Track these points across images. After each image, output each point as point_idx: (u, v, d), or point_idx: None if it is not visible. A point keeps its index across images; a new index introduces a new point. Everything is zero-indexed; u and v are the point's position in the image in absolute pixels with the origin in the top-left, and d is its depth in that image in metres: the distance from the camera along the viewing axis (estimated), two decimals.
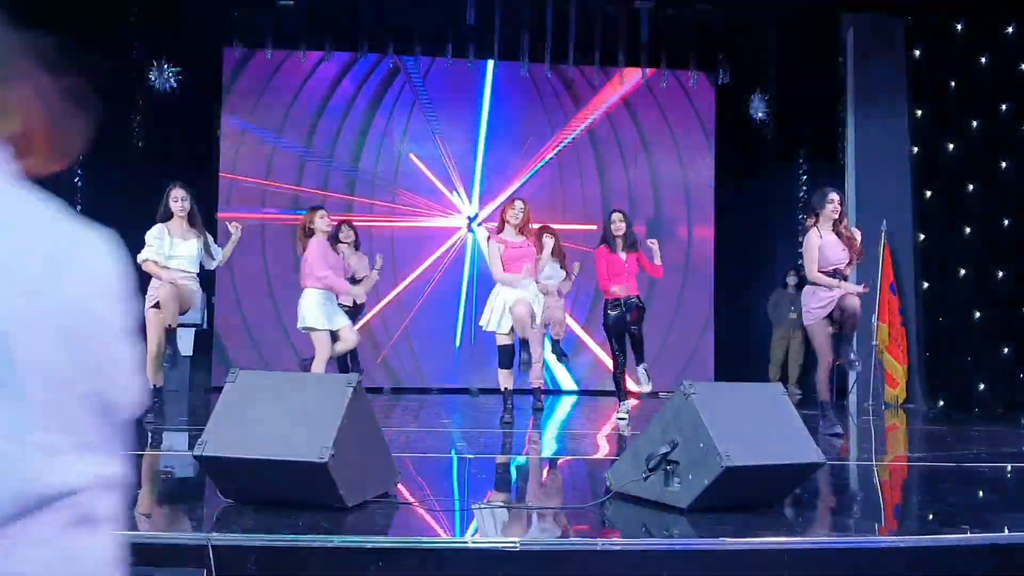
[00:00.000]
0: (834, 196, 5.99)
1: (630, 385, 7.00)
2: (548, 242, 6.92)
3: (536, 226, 6.96)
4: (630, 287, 6.53)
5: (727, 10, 9.71)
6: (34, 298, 0.89)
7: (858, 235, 6.09)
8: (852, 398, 9.01)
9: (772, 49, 10.15)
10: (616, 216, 6.67)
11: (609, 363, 7.28)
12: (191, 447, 3.29)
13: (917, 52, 9.19)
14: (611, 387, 7.11)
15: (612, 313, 6.53)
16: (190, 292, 5.92)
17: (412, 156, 10.06)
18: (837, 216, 5.92)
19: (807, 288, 6.07)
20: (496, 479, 4.34)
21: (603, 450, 5.53)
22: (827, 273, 5.87)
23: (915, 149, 9.14)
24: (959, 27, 8.94)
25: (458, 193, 10.08)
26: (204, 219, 9.64)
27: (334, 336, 6.35)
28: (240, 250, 9.47)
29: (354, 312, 7.56)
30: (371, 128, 10.05)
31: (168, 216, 5.89)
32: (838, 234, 5.95)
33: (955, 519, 3.27)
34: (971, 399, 8.57)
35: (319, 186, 9.84)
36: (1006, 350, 8.52)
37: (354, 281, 7.56)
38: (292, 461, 2.92)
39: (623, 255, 6.56)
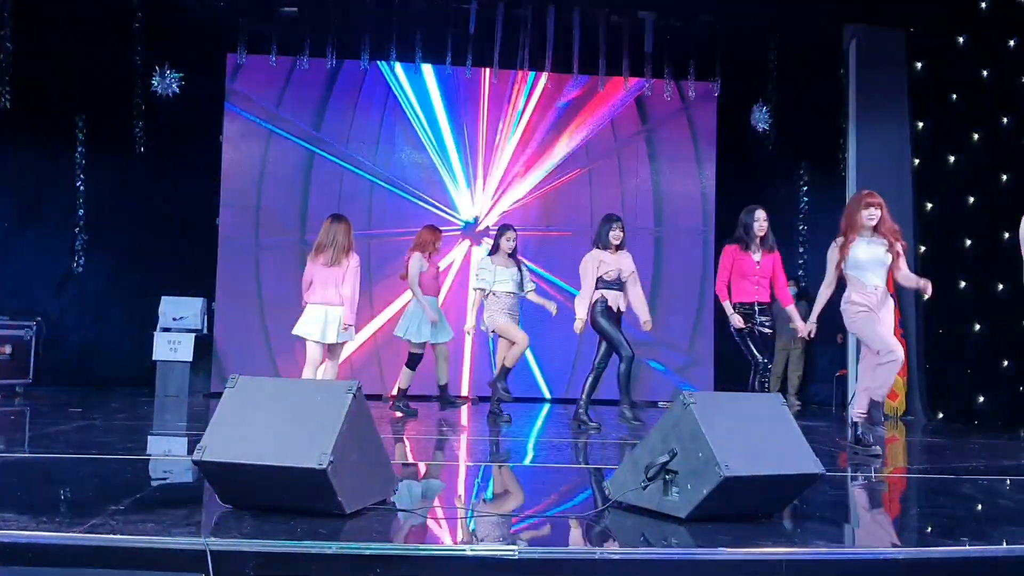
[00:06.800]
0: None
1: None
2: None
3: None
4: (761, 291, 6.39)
5: (730, 21, 9.74)
6: None
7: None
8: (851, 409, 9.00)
9: (774, 60, 10.18)
10: (760, 214, 6.34)
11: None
12: (190, 452, 3.29)
13: (919, 65, 9.21)
14: (615, 393, 7.14)
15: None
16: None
17: (415, 163, 10.07)
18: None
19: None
20: (495, 487, 4.34)
21: (603, 458, 5.52)
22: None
23: (916, 161, 9.15)
24: (961, 40, 8.96)
25: (461, 200, 10.09)
26: (206, 225, 9.70)
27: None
28: (240, 256, 9.56)
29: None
30: (374, 135, 10.07)
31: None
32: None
33: (954, 531, 3.27)
34: (971, 412, 8.55)
35: (325, 193, 9.85)
36: (1006, 363, 8.50)
37: None
38: (291, 467, 2.92)
39: (757, 256, 6.34)
